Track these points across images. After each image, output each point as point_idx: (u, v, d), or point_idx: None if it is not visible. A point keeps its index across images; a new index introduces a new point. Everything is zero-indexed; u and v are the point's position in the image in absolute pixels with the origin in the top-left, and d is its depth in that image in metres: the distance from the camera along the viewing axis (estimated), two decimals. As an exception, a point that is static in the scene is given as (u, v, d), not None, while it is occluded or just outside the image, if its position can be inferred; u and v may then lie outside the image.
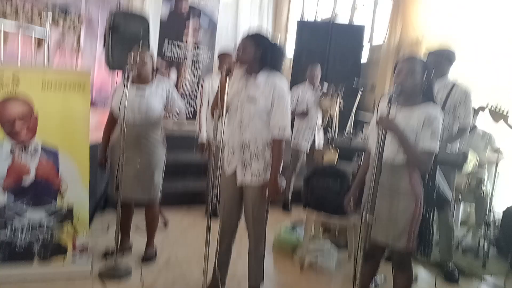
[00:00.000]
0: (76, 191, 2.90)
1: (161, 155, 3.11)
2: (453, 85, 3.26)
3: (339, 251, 3.58)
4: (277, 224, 3.85)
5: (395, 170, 2.19)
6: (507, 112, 2.40)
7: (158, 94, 3.04)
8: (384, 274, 3.07)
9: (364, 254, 2.04)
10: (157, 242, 3.36)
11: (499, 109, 2.40)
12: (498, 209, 4.21)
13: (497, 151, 4.19)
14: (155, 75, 3.14)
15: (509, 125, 2.36)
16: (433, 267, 3.45)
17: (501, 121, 2.59)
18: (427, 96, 2.23)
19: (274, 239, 3.68)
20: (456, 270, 3.34)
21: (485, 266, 3.59)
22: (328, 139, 4.77)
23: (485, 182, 3.98)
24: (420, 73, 2.17)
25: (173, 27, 6.27)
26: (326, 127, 5.03)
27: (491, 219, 3.83)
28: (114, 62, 4.56)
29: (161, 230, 3.79)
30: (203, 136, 4.09)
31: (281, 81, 2.47)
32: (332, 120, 4.83)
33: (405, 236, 2.18)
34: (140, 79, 3.02)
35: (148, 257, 3.18)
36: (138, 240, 3.42)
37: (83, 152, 2.90)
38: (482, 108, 2.51)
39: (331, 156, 4.24)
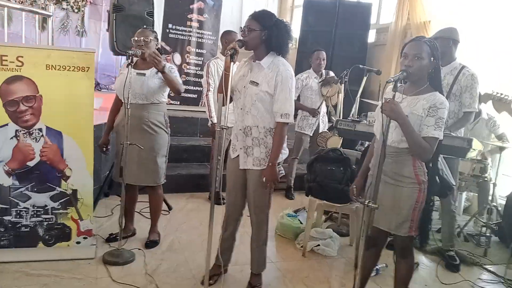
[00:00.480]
0: (80, 175, 2.91)
1: (164, 139, 3.11)
2: (461, 69, 3.22)
3: (341, 238, 3.60)
4: (280, 211, 3.86)
5: (399, 157, 2.18)
6: (508, 98, 2.34)
7: (159, 76, 2.99)
8: (385, 262, 3.09)
9: (366, 241, 2.05)
10: (160, 228, 3.38)
11: (503, 97, 2.35)
12: (501, 197, 4.21)
13: (501, 137, 4.17)
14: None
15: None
16: (434, 255, 3.47)
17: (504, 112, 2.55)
18: (433, 84, 2.21)
19: (277, 225, 3.70)
20: (457, 258, 3.36)
21: (487, 255, 3.61)
22: (332, 125, 4.75)
23: (488, 169, 3.96)
24: (427, 58, 2.14)
25: (177, 10, 6.19)
26: (330, 114, 5.02)
27: (493, 207, 3.82)
28: (118, 45, 4.52)
29: (165, 216, 3.81)
30: (214, 117, 4.04)
31: (285, 66, 2.45)
32: (336, 106, 4.80)
33: (407, 223, 2.19)
34: (144, 61, 3.00)
35: (152, 242, 3.20)
36: (141, 225, 3.45)
37: (87, 135, 2.90)
38: (488, 96, 2.46)
39: (335, 142, 4.23)
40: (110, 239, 3.19)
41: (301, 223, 3.65)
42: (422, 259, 3.44)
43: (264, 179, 2.44)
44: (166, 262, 2.97)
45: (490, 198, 3.85)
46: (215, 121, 4.03)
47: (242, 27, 2.42)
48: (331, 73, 4.80)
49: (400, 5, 5.77)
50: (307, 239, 3.33)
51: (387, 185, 2.20)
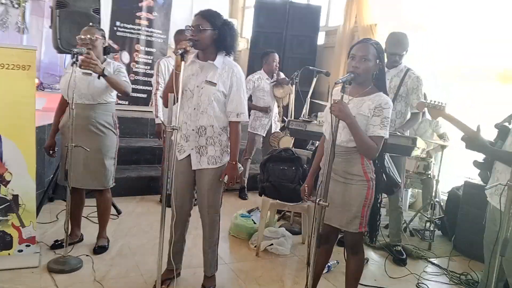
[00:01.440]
0: (22, 179, 2.76)
1: (112, 140, 3.00)
2: (406, 71, 3.37)
3: (294, 237, 3.65)
4: (234, 212, 3.85)
5: (348, 155, 2.24)
6: (444, 105, 2.50)
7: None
8: (337, 259, 3.16)
9: (318, 238, 2.08)
10: (109, 233, 3.27)
11: (437, 104, 2.51)
12: (443, 193, 4.44)
13: (442, 136, 4.41)
14: (106, 57, 3.01)
15: (447, 118, 2.46)
16: (382, 250, 3.59)
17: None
18: (378, 84, 2.29)
19: (230, 226, 3.69)
20: (404, 253, 3.50)
21: (431, 248, 3.79)
22: (284, 125, 4.81)
23: (431, 167, 4.16)
24: (373, 59, 2.21)
25: (125, 8, 6.02)
26: (280, 114, 5.07)
27: (436, 203, 4.03)
28: (62, 43, 4.32)
29: (114, 220, 3.69)
30: (160, 117, 4.01)
31: (237, 67, 2.51)
32: (287, 107, 4.87)
33: (357, 219, 2.25)
34: None
35: (100, 248, 3.08)
36: (89, 231, 3.31)
37: (28, 137, 2.75)
38: (422, 105, 2.61)
39: (287, 142, 4.28)
40: (56, 246, 3.04)
41: (254, 223, 3.66)
42: (371, 255, 3.55)
43: (225, 176, 2.48)
44: (115, 268, 2.87)
45: (433, 194, 4.04)
46: (159, 121, 4.00)
47: (191, 26, 2.38)
48: (282, 75, 4.86)
49: (348, 8, 5.93)
50: (260, 238, 3.34)
51: (337, 183, 2.25)
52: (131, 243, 3.30)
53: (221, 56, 2.46)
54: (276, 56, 4.73)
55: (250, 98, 4.74)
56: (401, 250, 3.52)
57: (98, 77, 2.78)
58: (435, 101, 2.51)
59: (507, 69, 4.16)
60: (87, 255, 2.96)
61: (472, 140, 2.22)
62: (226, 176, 2.50)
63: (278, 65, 4.75)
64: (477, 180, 3.46)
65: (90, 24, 3.16)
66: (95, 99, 2.87)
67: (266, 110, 4.70)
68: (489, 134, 2.33)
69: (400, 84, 3.36)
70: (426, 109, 2.62)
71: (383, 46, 2.37)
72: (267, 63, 4.72)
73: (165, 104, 2.40)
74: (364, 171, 2.24)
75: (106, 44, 3.05)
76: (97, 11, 4.41)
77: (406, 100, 3.39)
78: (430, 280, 3.20)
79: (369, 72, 2.22)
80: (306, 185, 2.50)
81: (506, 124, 2.27)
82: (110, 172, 3.01)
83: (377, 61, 2.23)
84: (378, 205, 2.39)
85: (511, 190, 1.83)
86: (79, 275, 2.73)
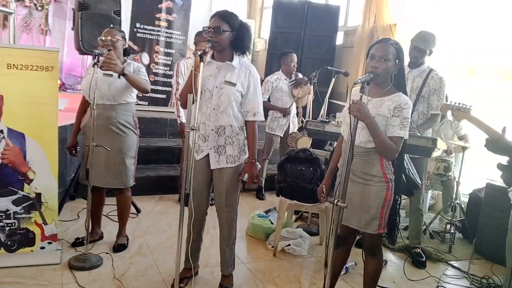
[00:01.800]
0: (44, 178, 2.81)
1: (133, 140, 3.05)
2: (429, 72, 3.32)
3: (311, 237, 3.64)
4: (251, 212, 3.86)
5: (367, 156, 2.22)
6: (470, 107, 2.46)
7: None
8: (355, 260, 3.14)
9: (335, 240, 2.07)
10: (129, 231, 3.32)
11: (461, 106, 2.46)
12: (464, 194, 4.36)
13: (463, 137, 4.34)
14: (126, 58, 3.06)
15: (472, 120, 2.41)
16: (401, 252, 3.55)
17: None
18: (397, 85, 2.26)
19: (248, 226, 3.70)
20: (424, 255, 3.45)
21: (451, 251, 3.73)
22: (302, 125, 4.79)
23: (452, 168, 4.09)
24: (392, 60, 2.18)
25: (145, 9, 6.10)
26: (299, 115, 5.06)
27: (457, 205, 3.95)
28: (84, 44, 4.40)
29: (133, 219, 3.74)
30: (182, 117, 4.02)
31: (253, 67, 2.55)
32: (306, 108, 4.86)
33: (376, 221, 2.23)
34: None
35: (120, 246, 3.13)
36: (109, 229, 3.37)
37: (51, 137, 2.81)
38: (447, 107, 2.56)
39: (305, 143, 4.27)
40: (76, 243, 3.10)
41: (272, 223, 3.66)
42: (390, 257, 3.51)
43: (245, 175, 2.52)
44: (134, 266, 2.91)
45: (454, 196, 3.97)
46: (183, 120, 4.02)
47: (209, 28, 2.39)
48: (300, 75, 4.84)
49: (367, 8, 5.87)
50: (277, 239, 3.34)
51: (356, 184, 2.23)
52: (150, 241, 3.34)
53: (237, 57, 2.49)
54: (294, 57, 4.72)
55: (268, 99, 4.74)
56: (421, 252, 3.47)
57: (119, 76, 2.82)
58: (459, 103, 2.47)
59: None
60: (107, 253, 3.01)
61: (495, 142, 2.18)
62: (246, 174, 2.53)
63: (296, 66, 4.74)
64: (499, 182, 3.39)
65: (111, 26, 3.22)
66: (116, 100, 2.92)
67: (284, 112, 4.69)
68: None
69: (423, 85, 3.31)
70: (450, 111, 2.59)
71: (403, 46, 2.34)
72: (285, 64, 4.71)
73: (183, 105, 2.43)
74: (383, 172, 2.22)
75: (126, 46, 3.10)
76: (118, 12, 4.48)
77: (428, 101, 3.34)
78: (450, 284, 3.14)
79: (388, 72, 2.20)
80: (323, 186, 2.48)
81: None
82: (130, 171, 3.05)
83: (397, 61, 2.21)
84: (398, 206, 2.36)
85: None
86: (99, 272, 2.78)
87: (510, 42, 3.98)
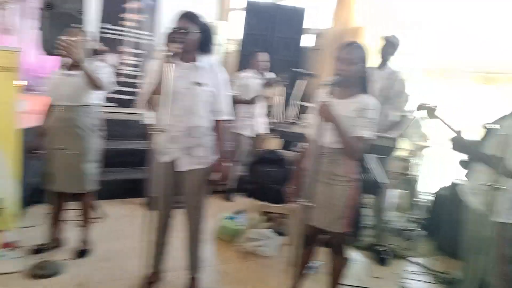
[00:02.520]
0: (4, 182, 2.73)
1: (95, 143, 2.98)
2: (394, 74, 3.42)
3: (280, 238, 3.65)
4: (220, 214, 3.85)
5: (334, 157, 2.27)
6: (435, 107, 2.57)
7: None
8: (321, 260, 3.17)
9: (303, 239, 2.09)
10: (92, 236, 3.24)
11: (435, 107, 2.59)
12: (428, 193, 4.48)
13: (424, 137, 4.47)
14: (92, 58, 3.00)
15: (444, 122, 2.52)
16: (366, 250, 3.62)
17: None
18: (363, 87, 2.32)
19: (216, 228, 3.68)
20: (388, 253, 3.53)
21: (414, 248, 3.82)
22: (271, 127, 4.82)
23: (415, 168, 4.20)
24: (358, 63, 2.24)
25: (113, 9, 5.98)
26: (269, 115, 5.08)
27: (421, 203, 4.06)
28: (49, 45, 4.29)
29: (97, 223, 3.66)
30: (148, 119, 3.98)
31: (221, 66, 2.57)
32: (275, 108, 4.89)
33: (341, 220, 2.28)
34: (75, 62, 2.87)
35: (82, 251, 3.06)
36: (72, 235, 3.28)
37: (12, 140, 2.72)
38: (421, 107, 2.67)
39: (274, 144, 4.30)
40: (38, 250, 3.01)
41: (240, 225, 3.66)
42: (355, 255, 3.57)
43: (215, 175, 2.53)
44: (98, 272, 2.85)
45: (417, 194, 4.08)
46: (149, 122, 3.98)
47: (178, 28, 2.37)
48: (271, 74, 4.86)
49: (336, 10, 5.97)
50: (246, 240, 3.34)
51: (322, 184, 2.27)
52: (114, 246, 3.28)
53: (205, 57, 2.49)
54: (265, 56, 4.73)
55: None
56: (385, 250, 3.55)
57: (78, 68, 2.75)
58: (429, 104, 2.58)
59: (489, 71, 4.22)
60: (69, 259, 2.93)
61: (461, 143, 2.28)
62: (216, 174, 2.54)
63: (265, 64, 4.75)
64: (460, 180, 3.51)
65: (74, 25, 3.14)
66: (79, 101, 2.85)
67: (252, 103, 4.69)
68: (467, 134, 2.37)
69: (388, 87, 3.40)
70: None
71: (369, 48, 2.40)
72: (254, 62, 4.73)
73: (152, 107, 2.40)
74: (349, 171, 2.27)
75: (96, 47, 3.04)
76: (84, 12, 4.39)
77: (393, 102, 3.43)
78: (413, 280, 3.23)
79: (354, 75, 2.25)
80: (292, 187, 2.51)
81: (496, 126, 2.30)
82: (92, 176, 2.99)
83: (362, 64, 2.26)
84: (362, 205, 2.41)
85: (492, 190, 1.86)
86: (61, 279, 2.71)
87: (483, 44, 4.12)
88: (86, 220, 3.13)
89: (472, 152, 2.29)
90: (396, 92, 3.41)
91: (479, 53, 4.29)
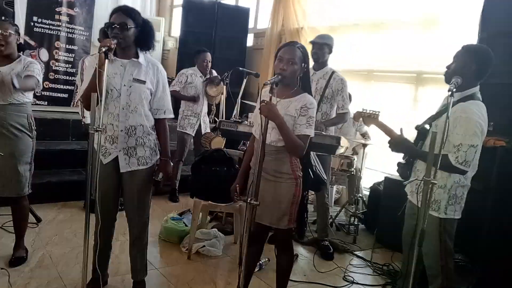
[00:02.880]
0: None
1: (27, 144, 2.80)
2: (332, 73, 3.52)
3: (226, 237, 3.65)
4: (164, 215, 3.76)
5: (278, 155, 2.30)
6: (378, 113, 2.69)
7: (17, 72, 2.68)
8: (267, 256, 3.21)
9: (249, 237, 2.10)
10: (28, 243, 3.05)
11: (372, 113, 2.70)
12: (365, 188, 4.69)
13: (364, 135, 4.68)
14: (20, 54, 2.81)
15: (379, 125, 2.64)
16: (310, 246, 3.71)
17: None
18: (303, 86, 2.38)
19: (161, 230, 3.60)
20: (331, 247, 3.65)
21: (356, 242, 3.98)
22: (215, 126, 4.79)
23: (354, 164, 4.38)
24: (299, 62, 2.28)
25: (44, 2, 5.63)
26: (212, 114, 5.05)
27: (360, 198, 4.24)
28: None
29: (33, 229, 3.44)
30: (87, 118, 3.83)
31: (159, 63, 2.51)
32: (219, 107, 4.87)
33: (286, 216, 2.31)
34: (3, 57, 2.68)
35: (17, 259, 2.85)
36: (4, 242, 3.06)
37: None
38: (359, 114, 2.77)
39: (219, 143, 4.27)
40: None
41: (186, 225, 3.60)
42: (300, 250, 3.66)
43: (159, 174, 2.47)
44: (35, 281, 2.68)
45: (357, 190, 4.25)
46: (88, 121, 3.81)
47: (113, 23, 2.27)
48: (214, 73, 4.83)
49: (275, 11, 6.05)
50: (192, 241, 3.30)
51: (267, 182, 2.29)
52: (52, 252, 3.10)
53: (142, 54, 2.42)
54: (208, 55, 4.70)
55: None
56: (329, 245, 3.66)
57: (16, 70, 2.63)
58: (370, 110, 2.67)
59: (422, 72, 4.48)
60: (2, 268, 2.72)
61: (398, 143, 2.39)
62: (161, 174, 2.48)
63: (209, 64, 4.72)
64: (395, 175, 3.70)
65: (2, 18, 2.93)
66: (6, 99, 2.66)
67: (194, 99, 4.64)
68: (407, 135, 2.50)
69: (326, 86, 3.51)
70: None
71: (308, 49, 2.47)
72: (198, 62, 4.68)
73: (87, 106, 2.28)
74: (293, 169, 2.31)
75: (21, 41, 2.84)
76: (11, 4, 4.10)
77: (331, 101, 3.55)
78: (355, 273, 3.36)
79: (295, 74, 2.30)
80: (237, 185, 2.51)
81: (426, 126, 2.44)
82: (25, 178, 2.80)
83: (303, 64, 2.31)
84: (305, 201, 2.47)
85: (426, 185, 1.97)
86: (-7, 290, 2.51)
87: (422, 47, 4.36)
88: (20, 226, 2.92)
89: (414, 152, 2.40)
90: (334, 92, 3.52)
91: (408, 54, 4.54)
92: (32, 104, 2.90)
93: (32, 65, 2.77)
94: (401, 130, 2.41)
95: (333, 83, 3.51)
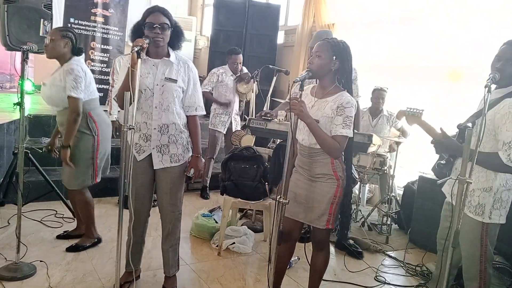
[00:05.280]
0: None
1: (86, 143, 2.96)
2: None
3: (256, 234, 3.66)
4: (195, 212, 3.81)
5: (317, 156, 2.27)
6: (422, 111, 2.57)
7: (57, 84, 2.86)
8: (297, 255, 3.19)
9: (279, 235, 2.09)
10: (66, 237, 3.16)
11: (415, 111, 2.57)
12: (399, 187, 4.59)
13: (400, 130, 4.57)
14: (73, 56, 2.97)
15: (422, 124, 2.52)
16: (341, 245, 3.65)
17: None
18: (342, 83, 2.30)
19: (192, 226, 3.65)
20: (358, 246, 3.59)
21: (388, 242, 3.91)
22: (245, 124, 4.81)
23: (387, 163, 4.29)
24: (326, 56, 2.20)
25: (80, 4, 5.80)
26: (243, 112, 5.07)
27: (393, 197, 4.15)
28: (11, 40, 4.11)
29: (70, 223, 3.56)
30: (114, 115, 4.07)
31: (190, 61, 2.55)
32: (249, 105, 4.88)
33: (325, 216, 2.28)
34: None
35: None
36: (43, 235, 3.18)
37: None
38: (402, 113, 2.66)
39: (248, 141, 4.28)
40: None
41: (216, 222, 3.63)
42: (331, 250, 3.61)
43: (191, 170, 2.50)
44: (71, 273, 2.77)
45: (390, 188, 4.16)
46: (114, 119, 4.03)
47: (154, 24, 2.31)
48: (245, 70, 4.84)
49: (306, 7, 6.01)
50: (222, 238, 3.32)
51: (305, 181, 2.29)
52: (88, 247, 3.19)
53: (173, 52, 2.46)
54: (239, 57, 4.69)
55: (211, 93, 4.72)
56: (360, 244, 3.60)
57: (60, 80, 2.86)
58: (413, 109, 2.53)
59: (457, 67, 4.33)
60: (41, 261, 2.83)
61: (443, 143, 2.28)
62: (192, 169, 2.51)
63: (240, 66, 4.72)
64: (430, 174, 3.60)
65: (43, 22, 3.08)
66: (60, 105, 2.91)
67: (226, 105, 4.68)
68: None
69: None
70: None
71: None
72: (230, 63, 4.70)
73: (121, 105, 2.32)
74: (334, 170, 2.26)
75: (81, 45, 3.04)
76: (49, 6, 4.24)
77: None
78: (387, 273, 3.29)
79: (322, 68, 2.22)
80: (267, 183, 2.49)
81: (469, 124, 2.31)
82: (82, 173, 2.98)
83: (334, 57, 2.21)
84: (348, 202, 2.40)
85: (461, 184, 1.90)
86: (32, 282, 2.61)
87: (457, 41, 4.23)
88: (82, 215, 3.19)
89: (458, 150, 2.27)
90: None
91: (444, 49, 4.40)
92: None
93: (72, 74, 2.85)
94: (441, 129, 2.29)
95: None
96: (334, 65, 2.23)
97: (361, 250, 3.56)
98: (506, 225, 2.24)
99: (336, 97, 2.24)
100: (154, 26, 2.30)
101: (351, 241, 3.61)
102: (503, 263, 2.84)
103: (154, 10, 2.36)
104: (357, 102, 3.49)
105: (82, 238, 3.15)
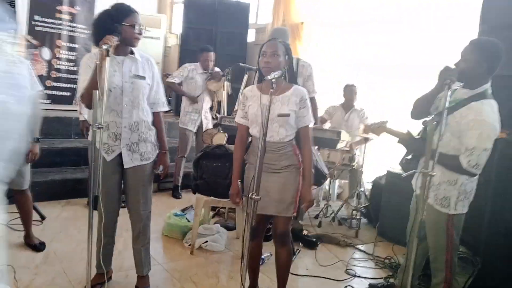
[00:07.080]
0: None
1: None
2: (297, 61, 3.55)
3: (229, 232, 3.68)
4: (167, 211, 3.79)
5: (283, 149, 2.33)
6: (386, 122, 2.69)
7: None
8: (270, 251, 3.23)
9: (251, 232, 2.12)
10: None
11: (380, 123, 2.69)
12: (367, 182, 4.70)
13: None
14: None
15: (389, 131, 2.63)
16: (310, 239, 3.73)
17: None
18: (290, 79, 2.41)
19: (164, 226, 3.63)
20: (310, 236, 3.69)
21: (358, 236, 4.00)
22: (217, 122, 4.81)
23: (356, 158, 4.39)
24: (282, 55, 2.32)
25: (45, 1, 5.64)
26: (214, 110, 5.06)
27: (361, 192, 4.25)
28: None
29: (37, 226, 3.47)
30: (84, 114, 3.97)
31: (152, 57, 2.56)
32: (220, 103, 4.88)
33: (292, 205, 2.36)
34: None
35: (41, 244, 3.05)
36: (10, 239, 3.10)
37: None
38: (368, 128, 2.78)
39: (220, 139, 4.28)
40: None
41: (188, 221, 3.63)
42: (300, 245, 3.67)
43: (160, 166, 2.53)
44: (40, 277, 2.71)
45: (358, 184, 4.26)
46: (83, 118, 3.95)
47: (141, 24, 2.34)
48: (216, 69, 4.83)
49: (276, 6, 6.05)
50: (194, 236, 3.32)
51: (273, 174, 2.34)
52: (57, 249, 3.13)
53: (135, 49, 2.44)
54: (211, 55, 4.69)
55: (180, 84, 4.71)
56: (317, 236, 3.71)
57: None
58: (376, 123, 2.67)
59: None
60: (8, 265, 2.75)
61: (409, 143, 2.40)
62: (161, 166, 2.52)
63: (211, 64, 4.71)
64: (397, 169, 3.71)
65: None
66: None
67: (193, 100, 4.67)
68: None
69: (296, 75, 3.52)
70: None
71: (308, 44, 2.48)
72: (201, 60, 4.69)
73: (88, 104, 2.26)
74: (298, 159, 2.36)
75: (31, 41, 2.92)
76: (12, 3, 4.11)
77: (304, 87, 3.57)
78: (358, 266, 3.38)
79: (279, 67, 2.30)
80: (239, 180, 2.50)
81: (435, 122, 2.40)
82: (25, 172, 2.92)
83: (286, 56, 2.35)
84: None
85: (424, 177, 1.98)
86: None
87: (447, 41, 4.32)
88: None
89: (419, 149, 2.36)
90: (304, 78, 3.56)
91: (432, 48, 4.51)
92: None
93: (29, 70, 2.78)
94: (408, 131, 2.43)
95: (302, 70, 3.55)
96: (286, 63, 2.37)
97: (315, 240, 3.64)
98: (468, 216, 2.35)
99: (293, 91, 2.35)
100: (140, 27, 2.33)
101: (305, 232, 3.71)
102: (466, 252, 2.96)
103: (133, 10, 2.36)
104: (313, 97, 3.60)
105: (34, 238, 3.12)
